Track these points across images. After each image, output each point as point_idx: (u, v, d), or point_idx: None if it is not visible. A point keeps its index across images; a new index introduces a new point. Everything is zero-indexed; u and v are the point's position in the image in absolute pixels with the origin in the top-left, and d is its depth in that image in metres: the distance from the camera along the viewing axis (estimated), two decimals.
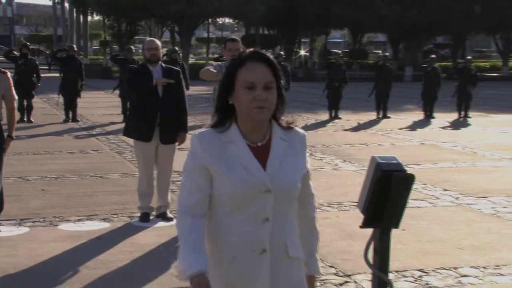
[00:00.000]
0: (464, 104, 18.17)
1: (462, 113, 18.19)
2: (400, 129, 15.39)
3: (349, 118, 17.25)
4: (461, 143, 12.83)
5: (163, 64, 6.75)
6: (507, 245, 6.01)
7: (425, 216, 7.03)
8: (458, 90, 18.21)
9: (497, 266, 5.39)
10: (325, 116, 17.27)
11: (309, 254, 2.49)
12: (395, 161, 1.74)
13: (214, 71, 6.65)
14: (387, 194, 1.71)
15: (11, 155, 8.22)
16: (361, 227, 1.82)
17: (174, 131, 6.61)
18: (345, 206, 7.30)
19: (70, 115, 15.77)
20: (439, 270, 5.25)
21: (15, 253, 5.58)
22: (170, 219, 6.63)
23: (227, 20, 62.42)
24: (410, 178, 1.71)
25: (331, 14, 41.14)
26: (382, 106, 17.96)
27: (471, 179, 9.09)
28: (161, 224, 6.56)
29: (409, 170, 1.72)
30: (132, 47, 17.28)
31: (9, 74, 6.09)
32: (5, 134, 6.14)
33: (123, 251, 5.68)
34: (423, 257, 5.58)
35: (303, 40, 52.25)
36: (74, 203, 7.36)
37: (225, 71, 2.39)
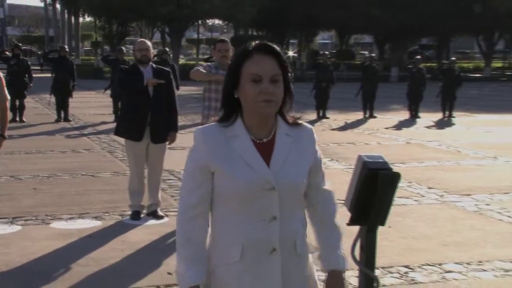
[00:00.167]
0: (448, 104, 18.26)
1: (447, 112, 18.27)
2: (386, 128, 15.44)
3: (336, 118, 17.28)
4: (445, 142, 12.89)
5: (154, 65, 6.73)
6: (490, 242, 6.04)
7: (411, 213, 7.06)
8: (442, 91, 18.29)
9: (480, 262, 5.42)
10: (313, 115, 17.30)
11: (331, 249, 2.33)
12: (381, 160, 1.74)
13: (204, 71, 6.65)
14: (373, 192, 1.72)
15: (3, 154, 8.16)
16: (348, 224, 1.82)
17: (164, 131, 6.60)
18: None
19: (62, 114, 15.70)
20: (424, 266, 5.27)
21: (7, 251, 5.55)
22: (160, 217, 6.63)
23: (216, 21, 62.34)
24: (396, 177, 1.71)
25: (319, 16, 41.19)
26: (369, 106, 18.02)
27: (455, 177, 9.13)
28: (152, 222, 6.54)
29: (395, 169, 1.72)
30: (123, 48, 17.23)
31: (1, 74, 6.05)
32: None
33: (114, 248, 5.67)
34: (408, 254, 5.60)
35: (291, 41, 52.29)
36: (66, 201, 7.32)
37: (231, 63, 2.26)
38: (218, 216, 2.25)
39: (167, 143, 6.72)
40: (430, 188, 8.40)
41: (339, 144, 12.20)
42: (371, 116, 17.85)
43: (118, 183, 8.22)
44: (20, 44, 18.02)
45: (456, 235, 6.27)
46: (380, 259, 4.99)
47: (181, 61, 44.35)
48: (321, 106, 17.46)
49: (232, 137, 2.20)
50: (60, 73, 15.62)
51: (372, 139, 13.32)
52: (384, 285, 4.74)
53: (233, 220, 2.20)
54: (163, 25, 43.94)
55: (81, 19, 54.56)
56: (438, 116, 18.11)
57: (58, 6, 54.23)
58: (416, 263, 5.33)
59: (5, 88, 6.03)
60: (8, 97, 6.09)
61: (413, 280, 4.96)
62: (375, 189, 1.71)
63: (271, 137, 2.23)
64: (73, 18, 50.77)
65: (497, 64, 51.04)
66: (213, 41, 8.21)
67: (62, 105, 15.74)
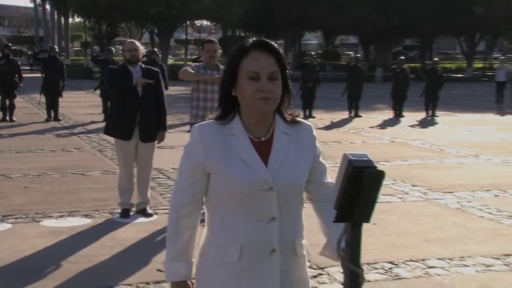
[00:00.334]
0: (431, 104, 18.36)
1: (430, 112, 18.37)
2: (371, 127, 15.49)
3: (322, 117, 17.31)
4: (429, 141, 12.95)
5: (143, 65, 6.72)
6: (472, 238, 6.08)
7: (395, 210, 7.09)
8: (425, 90, 18.39)
9: (462, 257, 5.46)
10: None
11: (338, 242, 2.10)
12: (366, 158, 1.74)
13: (192, 71, 6.64)
14: (358, 190, 1.72)
15: None
16: (334, 221, 1.83)
17: (153, 130, 6.59)
18: None
19: (52, 114, 15.61)
20: (408, 262, 5.29)
21: None
22: (150, 215, 6.61)
23: (205, 22, 62.24)
24: (380, 175, 1.72)
25: (306, 17, 41.27)
26: (354, 105, 18.07)
27: (438, 175, 9.18)
28: (141, 219, 6.53)
29: (380, 167, 1.72)
30: (113, 48, 17.17)
31: None
32: None
33: (104, 246, 5.65)
34: (393, 250, 5.63)
35: (278, 42, 52.37)
36: (56, 199, 7.29)
37: (228, 60, 2.16)
38: (216, 215, 2.17)
39: (156, 142, 6.70)
40: (414, 185, 8.44)
41: (325, 143, 12.22)
42: (356, 115, 17.90)
43: (108, 181, 8.19)
44: (10, 44, 17.87)
45: (439, 231, 6.30)
46: (365, 255, 5.01)
47: (170, 61, 44.25)
48: (308, 106, 17.49)
49: (230, 135, 2.12)
50: (50, 73, 15.53)
51: (357, 138, 13.36)
52: (369, 281, 4.75)
53: (231, 220, 2.12)
54: (152, 25, 43.83)
55: (70, 20, 54.28)
56: (422, 115, 18.20)
57: (47, 6, 53.92)
58: (400, 259, 5.35)
59: None
60: None
61: (397, 275, 4.98)
62: (360, 187, 1.72)
63: (269, 136, 2.15)
64: (62, 19, 50.53)
65: (478, 64, 51.39)
66: (201, 42, 8.20)
67: (52, 105, 15.65)
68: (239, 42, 2.20)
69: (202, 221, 2.20)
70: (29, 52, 49.25)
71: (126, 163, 6.64)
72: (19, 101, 17.06)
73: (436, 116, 18.24)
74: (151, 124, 6.54)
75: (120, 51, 8.40)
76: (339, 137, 13.30)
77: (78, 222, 6.38)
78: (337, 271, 4.86)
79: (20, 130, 13.73)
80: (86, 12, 41.57)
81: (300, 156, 2.17)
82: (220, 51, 6.91)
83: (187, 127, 8.98)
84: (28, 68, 36.73)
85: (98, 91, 16.52)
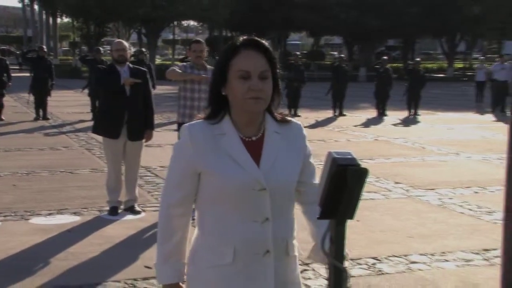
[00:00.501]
0: (413, 103, 18.45)
1: (412, 111, 18.46)
2: (355, 126, 15.54)
3: (307, 116, 17.34)
4: (411, 139, 13.02)
5: (131, 65, 6.70)
6: (452, 234, 6.12)
7: (378, 207, 7.12)
8: (408, 90, 18.48)
9: (443, 253, 5.49)
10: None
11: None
12: (350, 156, 1.75)
13: (179, 71, 6.64)
14: (342, 187, 1.73)
15: None
16: (319, 218, 1.83)
17: (141, 129, 6.57)
18: None
19: (41, 113, 15.51)
20: (390, 258, 5.32)
21: None
22: (138, 212, 6.60)
23: (191, 22, 62.09)
24: (364, 172, 1.72)
25: (291, 18, 41.30)
26: (338, 104, 18.12)
27: (420, 173, 9.24)
28: (129, 217, 6.50)
29: (363, 165, 1.73)
30: (101, 48, 17.07)
31: None
32: None
33: (92, 243, 5.62)
34: (376, 246, 5.65)
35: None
36: (45, 197, 7.24)
37: (218, 59, 2.10)
38: (208, 216, 2.09)
39: (143, 140, 6.69)
40: (396, 183, 8.48)
41: (310, 141, 12.10)
42: (341, 114, 17.95)
43: (96, 179, 8.15)
44: None
45: (421, 227, 6.34)
46: (349, 252, 5.04)
47: (157, 61, 44.11)
48: (293, 105, 17.51)
49: (220, 135, 2.05)
50: (39, 73, 15.43)
51: (342, 136, 13.40)
52: (352, 276, 4.77)
53: (224, 221, 2.05)
54: (139, 26, 43.62)
55: (59, 20, 53.88)
56: (404, 114, 18.29)
57: (36, 7, 53.50)
58: (383, 255, 5.38)
59: None
60: None
61: (380, 271, 5.01)
62: (344, 184, 1.72)
63: (260, 135, 2.09)
64: (51, 19, 50.13)
65: (459, 65, 51.70)
66: (188, 42, 8.18)
67: (40, 104, 15.55)
68: (229, 41, 2.15)
69: (193, 218, 2.17)
70: (18, 52, 48.84)
71: (114, 161, 6.62)
72: (8, 100, 16.94)
73: (418, 115, 18.33)
74: (139, 123, 6.53)
75: (108, 51, 8.36)
76: (324, 135, 13.33)
77: (67, 220, 6.35)
78: (321, 267, 4.87)
79: (9, 129, 13.63)
80: (74, 12, 41.30)
81: (292, 156, 2.11)
82: (207, 51, 6.91)
83: (174, 126, 8.96)
84: (17, 67, 36.43)
85: (86, 90, 16.44)
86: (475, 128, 15.44)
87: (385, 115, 18.06)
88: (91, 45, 38.69)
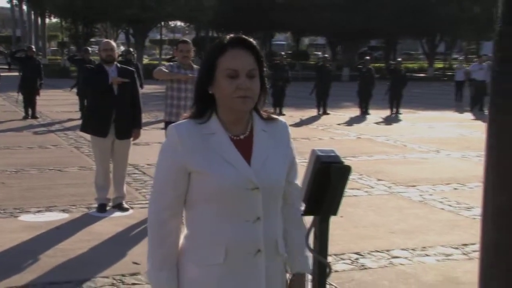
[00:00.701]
0: (395, 102, 18.54)
1: (394, 110, 18.55)
2: (339, 124, 15.59)
3: (292, 115, 17.35)
4: (393, 137, 13.08)
5: (118, 64, 6.66)
6: (433, 229, 6.16)
7: (361, 204, 7.15)
8: (390, 89, 18.56)
9: (424, 248, 5.53)
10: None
11: (300, 251, 2.13)
12: (333, 154, 1.75)
13: (166, 71, 6.64)
14: (326, 184, 1.73)
15: None
16: (303, 215, 1.83)
17: (129, 127, 6.54)
18: None
19: (30, 112, 15.39)
20: (373, 253, 5.34)
21: None
22: (126, 210, 6.57)
23: (178, 23, 61.91)
24: (347, 170, 1.73)
25: (275, 19, 41.32)
26: (322, 103, 18.16)
27: (402, 170, 9.28)
28: (117, 214, 6.47)
29: (347, 162, 1.73)
30: (89, 48, 16.96)
31: None
32: None
33: (81, 240, 5.59)
34: (359, 241, 5.67)
35: None
36: (34, 195, 7.18)
37: (205, 58, 2.03)
38: (199, 216, 2.01)
39: (131, 139, 6.66)
40: (379, 180, 8.51)
41: (295, 139, 12.15)
42: (325, 113, 17.99)
43: (85, 177, 8.10)
44: None
45: (403, 223, 6.37)
46: (333, 247, 5.04)
47: (145, 61, 43.91)
48: (278, 104, 17.52)
49: (209, 134, 1.98)
50: (28, 72, 15.30)
51: (326, 135, 13.43)
52: (336, 271, 4.79)
53: (215, 221, 1.98)
54: (127, 26, 43.41)
55: (47, 20, 53.47)
56: (386, 113, 18.37)
57: (24, 7, 53.05)
58: (366, 250, 5.40)
59: None
60: None
61: (363, 265, 5.03)
62: (327, 181, 1.72)
63: (248, 134, 2.02)
64: (39, 19, 49.73)
65: (439, 65, 52.01)
66: (175, 42, 8.16)
67: (29, 103, 15.43)
68: (216, 39, 2.10)
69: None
70: (6, 52, 48.42)
71: (103, 159, 6.59)
72: None
73: (400, 113, 18.42)
74: (127, 121, 6.50)
75: (96, 51, 8.30)
76: (308, 133, 13.35)
77: (56, 217, 6.30)
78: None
79: None
80: (62, 13, 41.00)
81: (279, 153, 2.06)
82: (194, 51, 6.90)
83: (162, 125, 8.93)
84: (6, 67, 36.10)
85: (75, 90, 16.33)
86: (455, 127, 15.55)
87: (368, 114, 18.12)
88: (80, 45, 38.47)
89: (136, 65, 13.95)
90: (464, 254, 5.39)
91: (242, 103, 1.94)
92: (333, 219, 1.79)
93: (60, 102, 19.62)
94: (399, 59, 21.67)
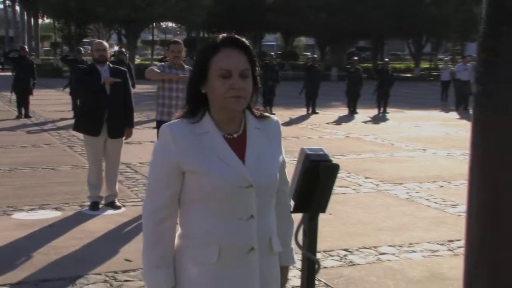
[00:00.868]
0: (383, 101, 18.59)
1: (381, 109, 18.60)
2: (327, 123, 15.61)
3: (282, 114, 17.36)
4: (380, 136, 13.12)
5: (111, 64, 6.64)
6: (419, 226, 6.19)
7: (349, 201, 7.16)
8: (377, 89, 18.61)
9: (410, 244, 5.55)
10: None
11: (286, 244, 2.14)
12: (322, 152, 1.75)
13: (158, 71, 6.64)
14: (315, 182, 1.73)
15: None
16: (292, 212, 1.83)
17: (121, 126, 6.52)
18: None
19: (23, 111, 15.30)
20: (361, 249, 5.35)
21: None
22: (118, 208, 6.55)
23: (170, 24, 61.74)
24: (335, 168, 1.73)
25: (266, 20, 41.34)
26: (311, 103, 18.18)
27: (389, 168, 9.31)
28: (109, 212, 6.45)
29: (335, 160, 1.74)
30: (81, 48, 16.88)
31: None
32: None
33: (74, 237, 5.56)
34: (347, 238, 5.68)
35: None
36: (27, 193, 7.14)
37: (198, 57, 2.00)
38: (192, 215, 1.98)
39: (123, 138, 6.64)
40: (367, 178, 8.53)
41: (284, 138, 12.18)
42: (314, 112, 18.02)
43: (78, 175, 8.06)
44: None
45: (390, 220, 6.39)
46: (322, 244, 5.06)
47: (137, 61, 43.76)
48: (268, 103, 17.52)
49: (202, 133, 1.95)
50: (21, 72, 15.22)
51: (315, 133, 13.44)
52: (325, 267, 4.79)
53: (209, 220, 1.95)
54: (119, 27, 43.24)
55: (40, 21, 53.16)
56: (374, 112, 18.42)
57: (17, 7, 52.71)
58: (354, 247, 5.41)
59: None
60: None
61: (351, 262, 5.04)
62: (316, 179, 1.73)
63: (241, 132, 2.00)
64: (32, 20, 49.44)
65: (425, 65, 52.22)
66: (167, 43, 8.14)
67: (22, 102, 15.34)
68: (209, 39, 2.04)
69: None
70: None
71: (95, 158, 6.56)
72: None
73: (387, 112, 18.48)
74: (119, 120, 6.48)
75: (89, 51, 8.25)
76: (297, 132, 13.36)
77: (49, 215, 6.27)
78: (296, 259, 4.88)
79: None
80: (55, 13, 40.78)
81: (273, 151, 2.05)
82: (185, 51, 6.89)
83: (153, 124, 8.91)
84: (0, 67, 35.86)
85: (67, 89, 16.26)
86: (440, 126, 15.62)
87: (356, 113, 18.16)
88: (72, 46, 38.29)
89: (128, 65, 13.91)
90: (450, 250, 5.42)
91: (235, 103, 1.92)
92: (321, 216, 1.79)
93: (53, 102, 19.52)
94: (386, 60, 21.72)
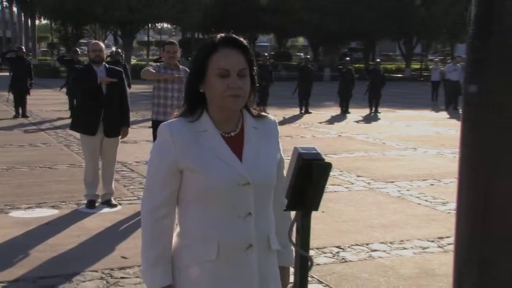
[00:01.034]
0: (374, 101, 18.63)
1: (373, 109, 18.63)
2: (320, 123, 15.62)
3: (275, 114, 17.35)
4: (372, 135, 13.14)
5: (107, 65, 6.62)
6: (410, 223, 6.20)
7: (342, 199, 7.17)
8: (369, 89, 18.65)
9: (401, 241, 5.56)
10: None
11: (285, 245, 2.10)
12: (315, 151, 1.75)
13: (153, 71, 6.64)
14: (308, 181, 1.73)
15: None
16: (285, 210, 1.83)
17: (117, 126, 6.51)
18: None
19: (20, 111, 15.24)
20: (353, 246, 5.36)
21: None
22: (114, 206, 6.54)
23: (165, 25, 61.61)
24: (328, 166, 1.73)
25: (259, 21, 41.35)
26: (304, 102, 18.19)
27: (381, 166, 9.32)
28: (106, 210, 6.44)
29: (328, 159, 1.73)
30: (78, 49, 16.83)
31: None
32: None
33: (71, 235, 5.55)
34: (339, 235, 5.69)
35: None
36: (25, 192, 7.12)
37: (196, 57, 1.98)
38: (190, 214, 1.97)
39: (119, 137, 6.62)
40: (358, 176, 8.55)
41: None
42: (307, 112, 18.03)
43: (74, 174, 8.04)
44: None
45: (381, 218, 6.40)
46: (315, 241, 5.06)
47: (133, 61, 43.68)
48: (262, 103, 17.50)
49: (200, 132, 1.94)
50: (18, 72, 15.17)
51: (308, 133, 13.45)
52: (318, 264, 4.80)
53: (207, 218, 1.93)
54: (116, 28, 43.14)
55: (37, 22, 52.95)
56: (366, 111, 18.45)
57: (15, 8, 52.51)
58: (346, 244, 5.42)
59: None
60: None
61: (343, 259, 5.04)
62: (309, 177, 1.72)
63: (239, 131, 1.99)
64: (29, 21, 49.26)
65: (416, 65, 52.33)
66: (162, 43, 8.13)
67: (20, 102, 15.29)
68: (206, 39, 2.06)
69: None
70: None
71: (92, 157, 6.54)
72: None
73: (379, 112, 18.51)
74: (115, 120, 6.46)
75: (85, 52, 8.24)
76: (290, 131, 13.37)
77: (46, 213, 6.25)
78: None
79: None
80: (52, 14, 40.65)
81: (270, 149, 2.03)
82: (180, 52, 6.89)
83: (149, 123, 8.89)
84: None
85: (64, 89, 16.20)
86: (431, 125, 15.66)
87: (348, 113, 18.19)
88: (69, 46, 38.19)
89: (124, 65, 13.87)
90: (440, 247, 5.43)
91: (233, 102, 1.91)
92: (314, 214, 1.79)
93: (50, 102, 19.45)
94: (378, 60, 21.77)
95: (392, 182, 8.20)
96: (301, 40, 71.65)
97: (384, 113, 18.44)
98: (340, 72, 19.05)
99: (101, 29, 46.55)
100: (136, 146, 10.34)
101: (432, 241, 5.57)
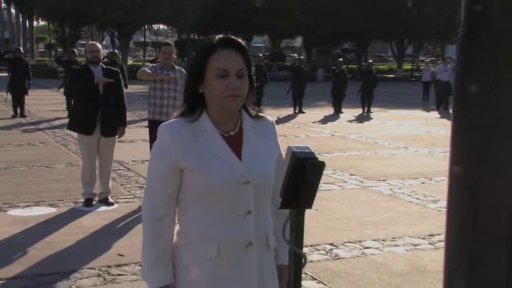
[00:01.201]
0: (367, 101, 18.66)
1: (366, 108, 18.66)
2: (314, 122, 15.63)
3: (270, 113, 17.00)
4: (364, 134, 13.16)
5: (104, 65, 6.61)
6: (402, 221, 6.21)
7: (335, 197, 7.18)
8: (361, 89, 18.67)
9: (393, 238, 5.57)
10: None
11: (282, 243, 2.04)
12: (308, 150, 1.75)
13: (150, 71, 6.63)
14: (301, 179, 1.73)
15: None
16: (280, 208, 1.83)
17: (114, 125, 6.49)
18: None
19: (18, 111, 15.20)
20: (346, 244, 5.37)
21: None
22: (111, 204, 6.53)
23: (161, 26, 61.53)
24: (321, 165, 1.73)
25: (254, 22, 41.33)
26: (298, 102, 18.20)
27: (373, 165, 9.34)
28: (103, 208, 6.42)
29: (321, 158, 1.73)
30: (75, 49, 16.78)
31: None
32: None
33: (68, 233, 5.53)
34: (333, 233, 5.70)
35: None
36: (23, 190, 7.09)
37: (195, 57, 1.98)
38: (190, 213, 1.96)
39: (116, 136, 6.61)
40: (351, 175, 8.56)
41: None
42: (300, 111, 18.04)
43: (72, 173, 8.02)
44: None
45: (374, 215, 6.41)
46: (308, 239, 5.07)
47: (129, 62, 43.59)
48: (256, 103, 17.48)
49: (200, 132, 1.94)
50: (16, 73, 15.14)
51: (301, 132, 13.46)
52: (311, 261, 4.80)
53: (207, 217, 1.93)
54: (112, 29, 43.04)
55: (35, 23, 52.77)
56: (358, 111, 18.48)
57: (13, 10, 52.31)
58: (340, 241, 5.43)
59: None
60: None
61: (336, 256, 5.05)
62: (303, 176, 1.72)
63: (238, 130, 2.00)
64: (27, 22, 49.07)
65: (407, 66, 52.46)
66: (158, 44, 8.13)
67: (18, 102, 15.24)
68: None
69: None
70: None
71: (89, 156, 6.53)
72: None
73: (371, 112, 18.54)
74: (112, 120, 6.45)
75: (83, 53, 8.21)
76: (285, 131, 13.37)
77: (44, 211, 6.23)
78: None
79: None
80: (50, 15, 40.50)
81: (268, 149, 2.04)
82: (176, 52, 6.89)
83: (146, 123, 8.88)
84: None
85: (62, 90, 16.16)
86: (422, 124, 15.69)
87: (341, 112, 18.21)
88: (66, 47, 38.05)
89: (121, 66, 13.85)
90: (431, 244, 5.45)
91: (232, 102, 1.92)
92: (308, 212, 1.79)
93: (48, 102, 19.39)
94: (370, 61, 21.81)
95: (384, 180, 8.22)
96: (299, 41, 71.71)
97: (376, 113, 18.47)
98: (333, 72, 19.07)
99: (98, 30, 46.41)
100: (133, 145, 10.32)
101: (423, 238, 5.59)
